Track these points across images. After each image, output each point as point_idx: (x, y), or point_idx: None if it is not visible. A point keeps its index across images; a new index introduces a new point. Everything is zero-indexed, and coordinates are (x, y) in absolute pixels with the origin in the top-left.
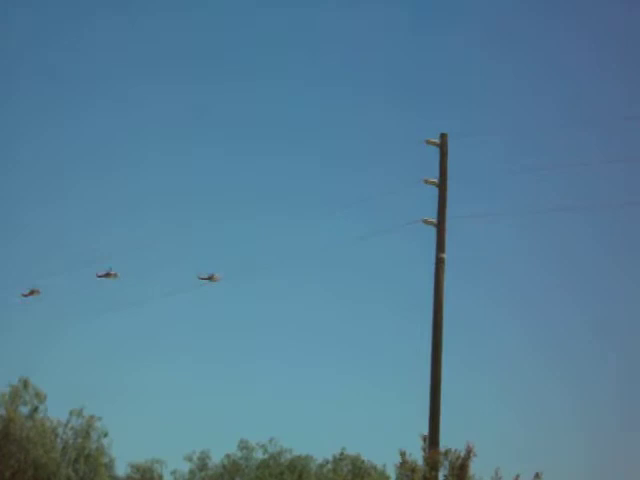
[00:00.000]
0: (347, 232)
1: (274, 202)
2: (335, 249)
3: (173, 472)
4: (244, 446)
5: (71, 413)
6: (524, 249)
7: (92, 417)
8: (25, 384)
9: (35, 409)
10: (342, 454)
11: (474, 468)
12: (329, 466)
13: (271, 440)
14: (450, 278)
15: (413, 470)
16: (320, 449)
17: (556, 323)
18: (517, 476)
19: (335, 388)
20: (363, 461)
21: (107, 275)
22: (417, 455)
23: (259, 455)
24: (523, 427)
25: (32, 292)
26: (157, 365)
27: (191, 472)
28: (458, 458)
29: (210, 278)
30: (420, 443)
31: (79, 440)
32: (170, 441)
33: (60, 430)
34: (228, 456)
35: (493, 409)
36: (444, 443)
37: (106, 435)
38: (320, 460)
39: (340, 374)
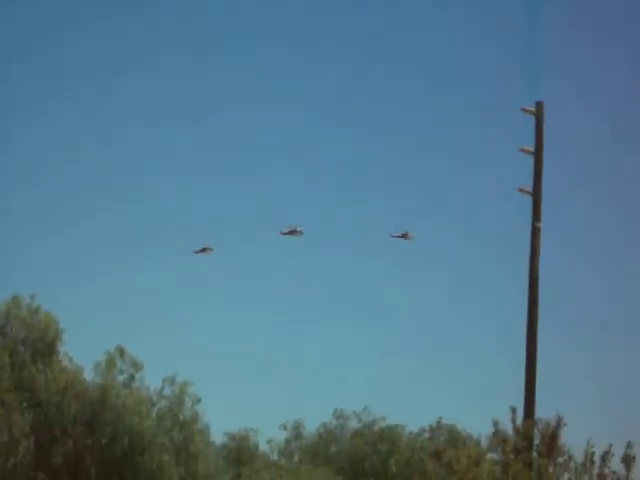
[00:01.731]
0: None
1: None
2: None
3: (269, 441)
4: (339, 415)
5: (164, 381)
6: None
7: (185, 383)
8: (121, 352)
9: (132, 378)
10: (438, 423)
11: (566, 439)
12: (426, 435)
13: (365, 408)
14: (546, 247)
15: (504, 440)
16: (415, 418)
17: None
18: (610, 445)
19: (432, 358)
20: (459, 431)
21: (203, 250)
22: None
23: (354, 424)
24: (616, 398)
25: (204, 249)
26: (249, 331)
27: (286, 441)
28: (548, 427)
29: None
30: (510, 414)
31: (173, 408)
32: (264, 410)
33: (155, 398)
34: (324, 424)
35: (587, 381)
36: (539, 415)
37: (199, 401)
38: (416, 429)
39: (437, 345)
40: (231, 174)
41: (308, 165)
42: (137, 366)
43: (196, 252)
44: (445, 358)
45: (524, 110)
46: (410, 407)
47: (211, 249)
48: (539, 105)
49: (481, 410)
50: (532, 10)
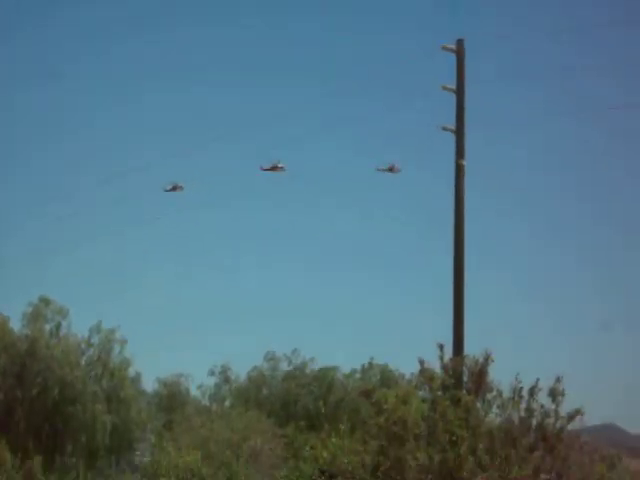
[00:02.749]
0: (370, 148)
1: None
2: (357, 167)
3: (199, 386)
4: (270, 358)
5: (91, 329)
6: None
7: (111, 330)
8: (46, 302)
9: (58, 326)
10: (370, 364)
11: (495, 374)
12: (357, 375)
13: (294, 351)
14: (470, 186)
15: (431, 378)
16: (347, 360)
17: (570, 225)
18: (537, 379)
19: (360, 298)
20: (391, 370)
21: (273, 168)
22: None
23: (284, 367)
24: (545, 332)
25: (175, 187)
26: (178, 277)
27: (216, 386)
28: (476, 364)
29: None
30: (437, 351)
31: (102, 355)
32: (194, 356)
33: (83, 346)
34: (255, 367)
35: (517, 316)
36: (468, 351)
37: (126, 343)
38: (347, 370)
39: (364, 284)
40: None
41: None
42: (63, 313)
43: (167, 190)
44: (376, 299)
45: (444, 48)
46: (341, 349)
47: (181, 187)
48: (459, 43)
49: (414, 349)
50: None
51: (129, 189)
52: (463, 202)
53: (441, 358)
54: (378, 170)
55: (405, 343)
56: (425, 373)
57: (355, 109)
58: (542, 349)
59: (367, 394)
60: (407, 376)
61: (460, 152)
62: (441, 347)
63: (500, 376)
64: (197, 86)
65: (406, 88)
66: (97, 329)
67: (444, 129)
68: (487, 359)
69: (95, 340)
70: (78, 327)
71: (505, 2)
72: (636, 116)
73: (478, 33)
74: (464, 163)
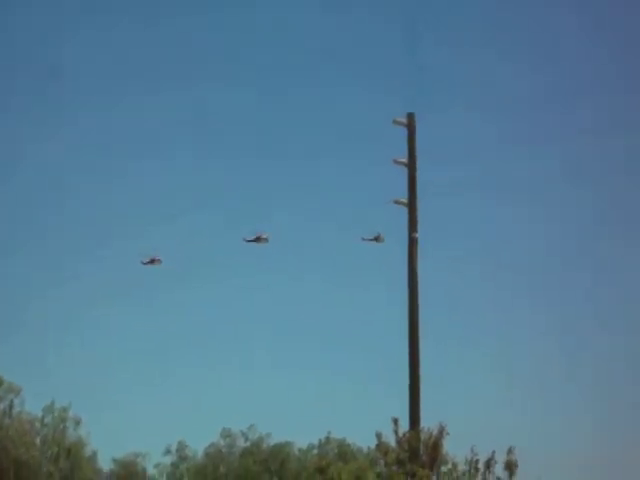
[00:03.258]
0: (322, 214)
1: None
2: (310, 229)
3: (157, 465)
4: (227, 434)
5: (44, 409)
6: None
7: (64, 408)
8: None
9: (11, 405)
10: (327, 438)
11: (451, 448)
12: (314, 450)
13: (251, 427)
14: (425, 257)
15: (386, 452)
16: (305, 435)
17: (536, 298)
18: (493, 452)
19: (317, 375)
20: (349, 445)
21: (257, 239)
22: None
23: (241, 443)
24: (503, 406)
25: (153, 261)
26: (131, 361)
27: (173, 464)
28: (430, 437)
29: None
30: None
31: (56, 435)
32: (150, 434)
33: (37, 425)
34: (212, 444)
35: (474, 388)
36: (425, 423)
37: (79, 423)
38: (305, 445)
39: (320, 361)
40: None
41: None
42: (15, 391)
43: (144, 263)
44: (333, 373)
45: (396, 122)
46: (298, 423)
47: (160, 260)
48: (410, 116)
49: (371, 423)
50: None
51: None
52: (416, 274)
53: (396, 432)
54: (364, 240)
55: (363, 418)
56: (381, 447)
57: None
58: (503, 422)
59: (321, 470)
60: (365, 450)
61: (413, 225)
62: (395, 421)
63: (458, 450)
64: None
65: (360, 160)
66: (50, 408)
67: (396, 202)
68: (442, 432)
69: (49, 419)
70: (31, 405)
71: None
72: None
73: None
74: (417, 236)
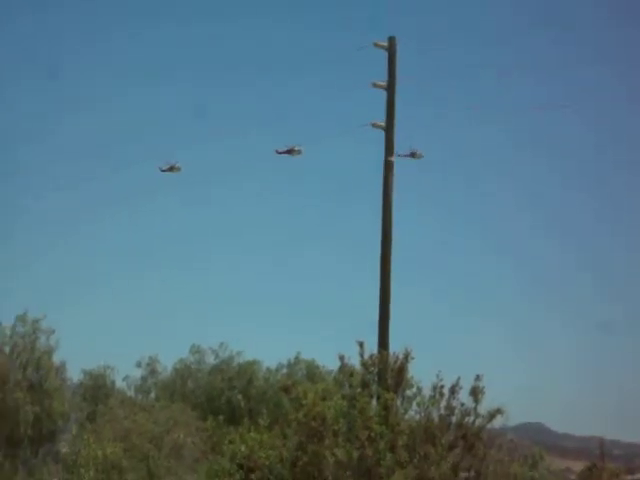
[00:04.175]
0: (299, 135)
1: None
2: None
3: (125, 378)
4: (196, 351)
5: (17, 318)
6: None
7: (37, 319)
8: None
9: None
10: (297, 358)
11: (417, 372)
12: (283, 370)
13: (222, 344)
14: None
15: (351, 374)
16: (275, 354)
17: (503, 227)
18: (458, 378)
19: (292, 294)
20: (318, 366)
21: (289, 151)
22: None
23: (211, 360)
24: (468, 332)
25: (172, 168)
26: (106, 267)
27: (142, 378)
28: (396, 361)
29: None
30: (358, 348)
31: (27, 344)
32: (121, 347)
33: (9, 333)
34: (181, 360)
35: (442, 316)
36: (394, 347)
37: (52, 333)
38: (274, 365)
39: (296, 279)
40: None
41: None
42: None
43: (163, 170)
44: (309, 295)
45: (376, 45)
46: (269, 343)
47: (179, 167)
48: (391, 40)
49: (341, 345)
50: None
51: None
52: (391, 199)
53: (361, 355)
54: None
55: (334, 338)
56: (345, 369)
57: (284, 102)
58: (473, 349)
59: (287, 389)
60: (334, 373)
61: (390, 149)
62: (361, 344)
63: (424, 374)
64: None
65: (339, 83)
66: (23, 319)
67: (374, 126)
68: (407, 356)
69: (21, 330)
70: (4, 317)
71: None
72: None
73: (412, 31)
74: (393, 160)
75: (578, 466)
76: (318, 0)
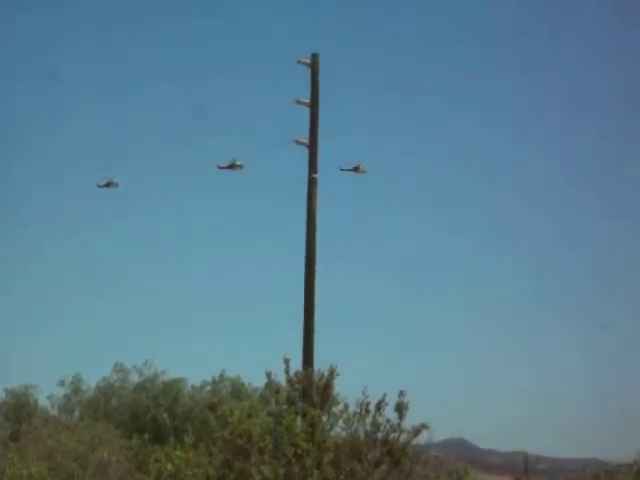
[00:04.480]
0: (221, 152)
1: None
2: (206, 170)
3: (49, 396)
4: (119, 369)
5: None
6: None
7: None
8: None
9: None
10: (221, 376)
11: (343, 389)
12: (208, 388)
13: (146, 362)
14: (323, 197)
15: (277, 391)
16: (199, 372)
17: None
18: (384, 394)
19: (216, 311)
20: (243, 383)
21: (231, 166)
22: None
23: (135, 378)
24: (396, 349)
25: (109, 184)
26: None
27: (66, 396)
28: (322, 378)
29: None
30: (283, 365)
31: None
32: (43, 365)
33: None
34: (104, 378)
35: (368, 330)
36: (319, 364)
37: None
38: (198, 382)
39: (220, 296)
40: None
41: None
42: None
43: (100, 186)
44: (230, 313)
45: (300, 62)
46: (193, 361)
47: (116, 183)
48: (314, 57)
49: (267, 362)
50: None
51: None
52: (315, 215)
53: (287, 372)
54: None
55: (259, 358)
56: (271, 386)
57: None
58: (396, 365)
59: (213, 407)
60: (259, 390)
61: (313, 166)
62: (286, 361)
63: (350, 392)
64: None
65: (264, 101)
66: None
67: (297, 142)
68: (332, 373)
69: None
70: None
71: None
72: None
73: (335, 47)
74: (317, 177)
75: None
76: (242, 14)
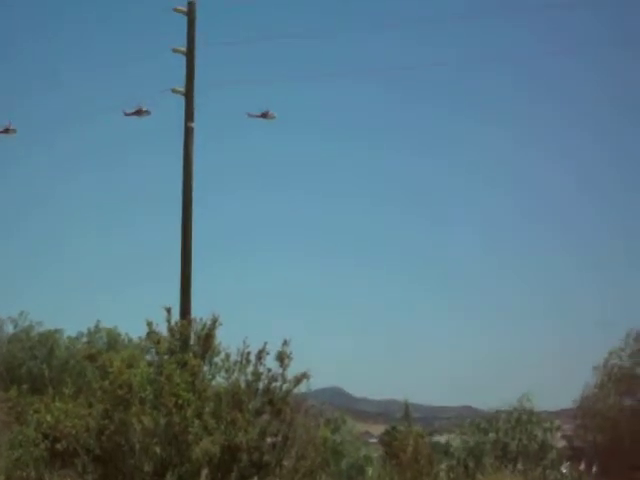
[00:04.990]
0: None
1: None
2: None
3: None
4: None
5: None
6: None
7: None
8: None
9: None
10: (97, 327)
11: (225, 338)
12: (84, 339)
13: (21, 313)
14: (200, 147)
15: (158, 341)
16: (74, 323)
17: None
18: (265, 343)
19: (90, 261)
20: (119, 334)
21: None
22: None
23: (10, 329)
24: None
25: (7, 130)
26: None
27: None
28: (204, 328)
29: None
30: (165, 315)
31: None
32: None
33: None
34: None
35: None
36: (198, 314)
37: None
38: (74, 333)
39: (95, 245)
40: None
41: None
42: None
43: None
44: (108, 263)
45: (176, 10)
46: (67, 312)
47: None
48: (190, 5)
49: (142, 313)
50: None
51: None
52: (191, 164)
53: (168, 321)
54: (250, 116)
55: (135, 308)
56: (152, 336)
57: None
58: (275, 314)
59: (92, 357)
60: (136, 340)
61: (190, 115)
62: (168, 310)
63: (231, 342)
64: None
65: (139, 50)
66: None
67: (174, 91)
68: (214, 322)
69: None
70: None
71: None
72: None
73: None
74: (193, 126)
75: (377, 429)
76: None
